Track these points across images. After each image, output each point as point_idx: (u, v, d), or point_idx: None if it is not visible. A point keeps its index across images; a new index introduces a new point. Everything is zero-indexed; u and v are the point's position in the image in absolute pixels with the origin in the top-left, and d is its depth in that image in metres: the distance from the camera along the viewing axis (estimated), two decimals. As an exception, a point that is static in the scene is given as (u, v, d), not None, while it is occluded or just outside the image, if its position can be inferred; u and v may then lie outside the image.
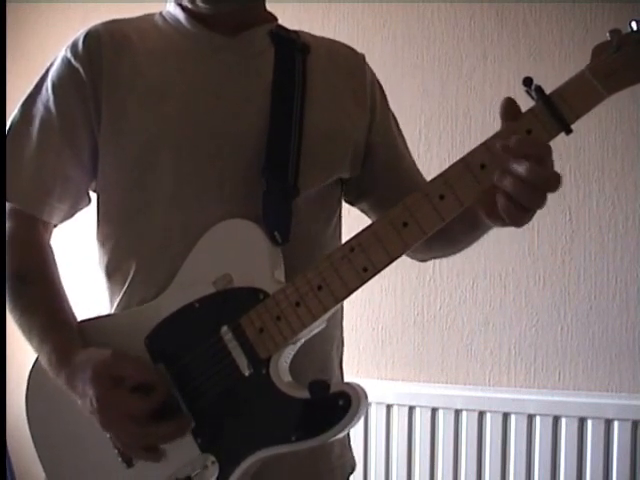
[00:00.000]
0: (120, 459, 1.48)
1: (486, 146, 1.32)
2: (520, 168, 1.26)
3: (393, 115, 1.75)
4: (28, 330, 1.52)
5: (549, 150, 1.29)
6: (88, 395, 1.42)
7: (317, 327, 1.44)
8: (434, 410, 2.98)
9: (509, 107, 1.32)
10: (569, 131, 1.29)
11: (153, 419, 1.41)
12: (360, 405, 1.35)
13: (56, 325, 1.51)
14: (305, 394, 1.37)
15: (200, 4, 1.55)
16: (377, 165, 1.68)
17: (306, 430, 1.37)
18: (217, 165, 1.51)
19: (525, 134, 1.29)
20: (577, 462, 2.74)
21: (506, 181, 1.28)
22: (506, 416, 2.86)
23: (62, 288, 1.56)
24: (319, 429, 1.36)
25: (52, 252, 1.60)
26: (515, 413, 2.84)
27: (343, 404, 1.34)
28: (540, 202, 1.28)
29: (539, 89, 1.29)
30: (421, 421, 3.00)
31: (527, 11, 2.96)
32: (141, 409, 1.41)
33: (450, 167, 1.34)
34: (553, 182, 1.26)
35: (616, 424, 2.68)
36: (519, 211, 1.29)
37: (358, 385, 1.38)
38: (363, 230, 1.38)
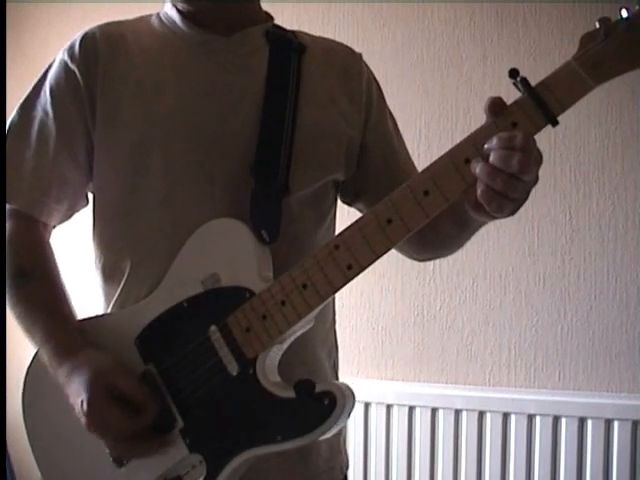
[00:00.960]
0: (111, 459, 1.48)
1: (471, 141, 1.31)
2: (491, 156, 1.25)
3: (391, 114, 1.75)
4: (31, 325, 1.52)
5: (529, 142, 1.26)
6: (80, 396, 1.43)
7: (304, 326, 1.44)
8: (434, 410, 2.97)
9: (494, 104, 1.30)
10: (555, 123, 1.27)
11: (134, 436, 1.44)
12: (346, 404, 1.34)
13: (60, 321, 1.52)
14: (291, 394, 1.37)
15: (180, 4, 1.58)
16: (373, 164, 1.68)
17: (292, 430, 1.37)
18: (208, 164, 1.52)
19: (511, 126, 1.28)
20: (577, 462, 2.73)
21: (478, 168, 1.27)
22: (506, 416, 2.85)
23: (65, 286, 1.57)
24: (304, 429, 1.36)
25: (53, 251, 1.61)
26: (515, 413, 2.83)
27: (328, 403, 1.34)
28: (513, 187, 1.25)
29: (524, 81, 1.27)
30: (421, 421, 2.99)
31: (527, 11, 2.95)
32: (124, 427, 1.42)
33: (435, 162, 1.33)
34: (522, 165, 1.23)
35: (616, 424, 2.68)
36: (496, 197, 1.26)
37: (345, 384, 1.37)
38: (348, 227, 1.37)
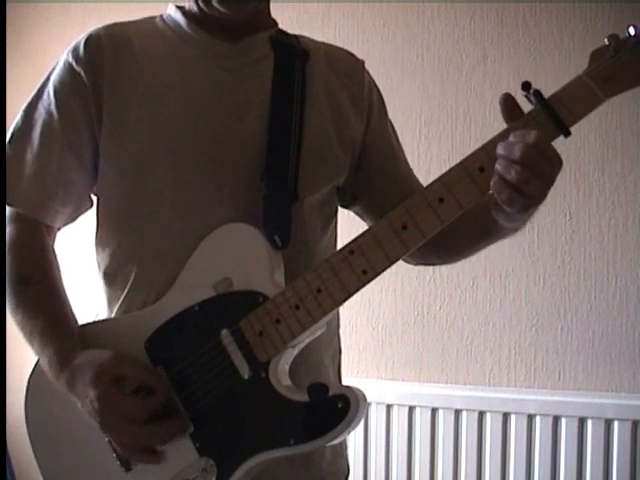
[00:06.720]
0: (119, 463, 1.48)
1: (485, 150, 1.33)
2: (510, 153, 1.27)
3: (391, 123, 1.76)
4: (29, 332, 1.51)
5: (542, 140, 1.27)
6: (89, 396, 1.42)
7: (317, 330, 1.44)
8: (434, 410, 2.98)
9: (509, 107, 1.32)
10: (568, 134, 1.30)
11: (152, 420, 1.41)
12: (359, 407, 1.34)
13: (57, 327, 1.51)
14: (304, 397, 1.37)
15: (215, 4, 1.55)
16: (372, 168, 1.69)
17: (305, 433, 1.37)
18: (217, 169, 1.51)
19: None
20: (577, 462, 2.74)
21: (497, 164, 1.29)
22: (506, 416, 2.85)
23: (64, 291, 1.56)
24: (318, 432, 1.36)
25: (55, 256, 1.60)
26: (515, 413, 2.84)
27: (342, 407, 1.34)
28: (525, 179, 1.25)
29: (538, 93, 1.30)
30: (421, 421, 3.00)
31: (527, 11, 2.96)
32: (140, 411, 1.41)
33: (449, 170, 1.35)
34: (526, 155, 1.25)
35: (616, 424, 2.68)
36: (507, 188, 1.27)
37: (357, 388, 1.37)
38: (363, 233, 1.38)
